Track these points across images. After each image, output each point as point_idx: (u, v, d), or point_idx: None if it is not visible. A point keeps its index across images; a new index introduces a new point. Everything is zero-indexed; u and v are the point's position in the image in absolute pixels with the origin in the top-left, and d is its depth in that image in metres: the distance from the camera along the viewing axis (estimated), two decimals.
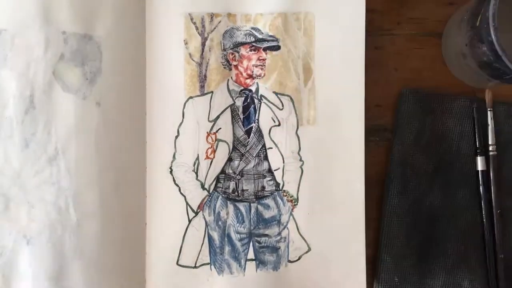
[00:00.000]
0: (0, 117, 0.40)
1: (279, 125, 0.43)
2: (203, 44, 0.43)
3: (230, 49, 0.43)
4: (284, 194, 0.43)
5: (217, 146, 0.43)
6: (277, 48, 0.43)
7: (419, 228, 0.44)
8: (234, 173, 0.43)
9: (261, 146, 0.43)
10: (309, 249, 0.43)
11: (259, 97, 0.43)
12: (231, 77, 0.43)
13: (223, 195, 0.43)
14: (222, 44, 0.43)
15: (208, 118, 0.43)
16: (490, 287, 0.44)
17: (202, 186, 0.43)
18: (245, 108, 0.43)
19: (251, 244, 0.43)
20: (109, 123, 0.41)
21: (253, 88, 0.43)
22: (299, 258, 0.43)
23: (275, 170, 0.43)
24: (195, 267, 0.42)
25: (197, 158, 0.43)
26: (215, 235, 0.43)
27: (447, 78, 0.45)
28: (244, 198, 0.43)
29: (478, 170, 0.45)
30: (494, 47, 0.37)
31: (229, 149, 0.43)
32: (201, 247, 0.42)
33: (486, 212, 0.44)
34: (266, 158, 0.43)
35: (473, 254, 0.44)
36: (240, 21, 0.43)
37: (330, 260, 0.43)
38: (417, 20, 0.45)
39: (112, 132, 0.41)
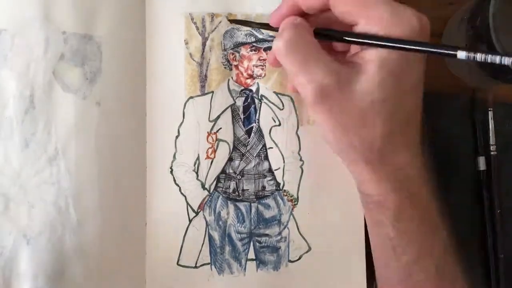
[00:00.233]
0: (0, 117, 0.40)
1: (279, 125, 0.43)
2: (204, 44, 0.43)
3: (231, 49, 0.43)
4: (285, 194, 0.43)
5: (217, 146, 0.43)
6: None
7: None
8: (235, 173, 0.43)
9: (261, 146, 0.43)
10: (310, 249, 0.43)
11: (259, 97, 0.43)
12: (232, 77, 0.43)
13: (224, 195, 0.43)
14: (223, 44, 0.43)
15: (209, 118, 0.43)
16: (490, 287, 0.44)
17: (203, 186, 0.43)
18: (246, 108, 0.43)
19: (251, 244, 0.43)
20: (109, 123, 0.41)
21: (254, 88, 0.43)
22: (299, 258, 0.43)
23: (275, 170, 0.43)
24: (195, 267, 0.42)
25: (198, 158, 0.43)
26: (216, 235, 0.43)
27: (447, 78, 0.45)
28: (244, 198, 0.43)
29: (479, 170, 0.45)
30: (494, 47, 0.37)
31: (229, 149, 0.43)
32: (202, 247, 0.42)
33: (487, 212, 0.44)
34: (266, 158, 0.43)
35: (473, 254, 0.44)
36: None
37: (330, 259, 0.43)
38: None
39: (112, 132, 0.41)
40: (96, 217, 0.40)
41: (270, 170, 0.43)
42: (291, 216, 0.43)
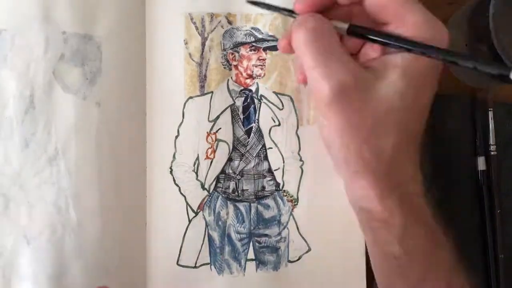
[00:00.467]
0: (0, 117, 0.40)
1: (279, 125, 0.43)
2: (203, 44, 0.43)
3: (230, 49, 0.43)
4: (284, 194, 0.43)
5: (217, 146, 0.43)
6: (277, 48, 0.43)
7: None
8: (234, 173, 0.43)
9: (261, 146, 0.43)
10: (309, 249, 0.43)
11: (259, 97, 0.43)
12: (231, 77, 0.43)
13: (223, 195, 0.43)
14: (222, 44, 0.43)
15: (208, 118, 0.43)
16: None
17: (202, 186, 0.43)
18: (245, 108, 0.43)
19: (251, 244, 0.43)
20: (109, 123, 0.41)
21: (253, 88, 0.43)
22: (299, 258, 0.43)
23: (275, 170, 0.43)
24: (195, 267, 0.42)
25: (197, 158, 0.43)
26: (215, 235, 0.43)
27: (447, 78, 0.45)
28: (244, 198, 0.43)
29: (479, 170, 0.45)
30: (494, 47, 0.37)
31: (229, 149, 0.43)
32: (201, 247, 0.42)
33: (487, 212, 0.44)
34: (266, 158, 0.43)
35: (473, 254, 0.44)
36: (240, 21, 0.43)
37: (330, 260, 0.43)
38: None
39: (112, 132, 0.41)
40: (96, 217, 0.40)
41: (269, 170, 0.43)
42: (291, 216, 0.43)
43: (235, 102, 0.43)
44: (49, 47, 0.40)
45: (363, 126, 0.32)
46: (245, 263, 0.43)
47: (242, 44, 0.43)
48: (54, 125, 0.40)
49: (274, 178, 0.43)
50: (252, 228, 0.43)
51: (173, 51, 0.42)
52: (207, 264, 0.42)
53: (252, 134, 0.43)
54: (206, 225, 0.43)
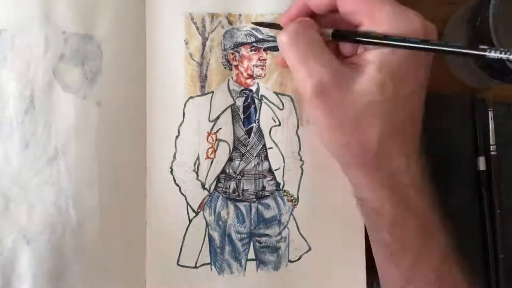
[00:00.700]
0: (0, 117, 0.40)
1: (279, 125, 0.43)
2: (204, 44, 0.43)
3: (231, 49, 0.43)
4: (285, 194, 0.43)
5: (217, 146, 0.43)
6: (278, 48, 0.43)
7: None
8: (235, 173, 0.43)
9: (261, 146, 0.43)
10: (310, 249, 0.43)
11: (259, 97, 0.43)
12: (232, 77, 0.43)
13: (224, 195, 0.43)
14: (223, 44, 0.43)
15: (209, 118, 0.43)
16: None
17: (203, 186, 0.43)
18: (246, 108, 0.43)
19: (251, 244, 0.43)
20: (109, 123, 0.41)
21: (254, 88, 0.43)
22: (299, 258, 0.43)
23: (275, 170, 0.43)
24: (195, 267, 0.42)
25: (198, 158, 0.43)
26: (216, 235, 0.43)
27: (447, 78, 0.45)
28: (244, 198, 0.43)
29: (479, 170, 0.45)
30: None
31: (229, 149, 0.43)
32: (202, 247, 0.42)
33: (487, 212, 0.44)
34: (266, 158, 0.43)
35: (473, 254, 0.44)
36: (240, 22, 0.43)
37: (330, 259, 0.43)
38: None
39: (112, 132, 0.41)
40: (96, 217, 0.40)
41: (270, 170, 0.43)
42: (291, 216, 0.43)
43: (235, 102, 0.43)
44: (49, 47, 0.40)
45: (346, 120, 0.34)
46: (246, 263, 0.43)
47: (243, 44, 0.43)
48: (54, 125, 0.40)
49: (274, 178, 0.43)
50: (252, 228, 0.43)
51: (173, 51, 0.42)
52: (207, 264, 0.42)
53: (252, 134, 0.43)
54: (207, 225, 0.43)
